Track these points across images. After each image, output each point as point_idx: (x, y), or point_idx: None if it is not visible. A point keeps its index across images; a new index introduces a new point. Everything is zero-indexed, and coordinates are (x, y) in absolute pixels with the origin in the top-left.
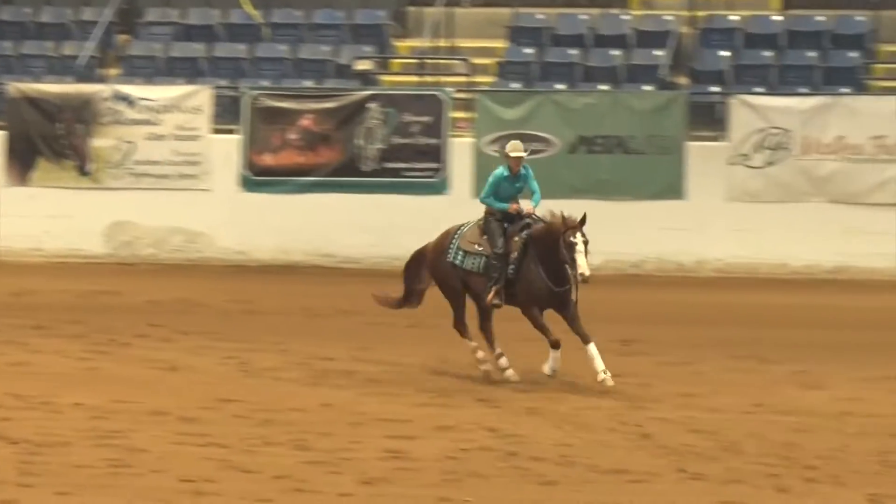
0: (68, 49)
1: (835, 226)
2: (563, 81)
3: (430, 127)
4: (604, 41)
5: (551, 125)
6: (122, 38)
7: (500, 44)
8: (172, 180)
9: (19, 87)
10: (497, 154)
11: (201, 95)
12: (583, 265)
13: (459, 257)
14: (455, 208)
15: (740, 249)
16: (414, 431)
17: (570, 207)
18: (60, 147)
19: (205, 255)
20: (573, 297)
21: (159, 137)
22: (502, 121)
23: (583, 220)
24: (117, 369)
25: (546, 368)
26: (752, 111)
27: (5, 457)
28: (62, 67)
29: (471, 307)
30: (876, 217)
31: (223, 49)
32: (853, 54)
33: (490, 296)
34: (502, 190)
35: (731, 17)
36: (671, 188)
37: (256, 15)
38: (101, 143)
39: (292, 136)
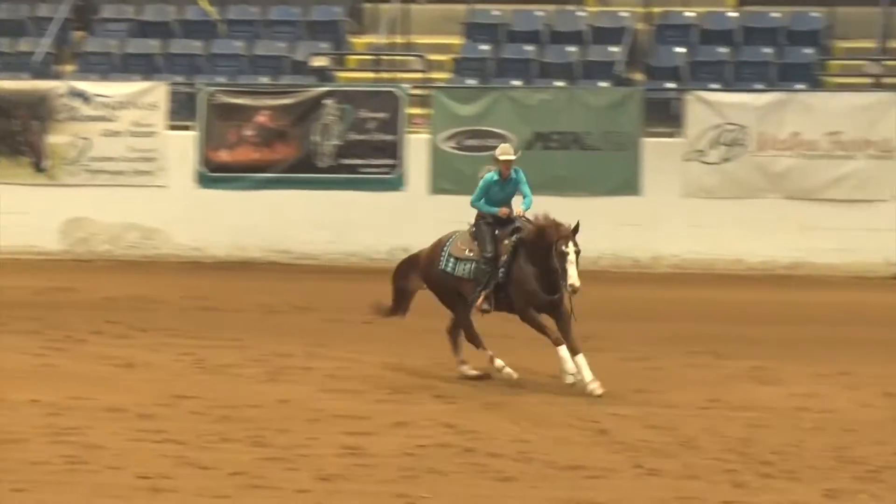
0: (24, 45)
1: (791, 222)
2: (519, 78)
3: (386, 123)
4: (560, 38)
5: (507, 122)
6: (77, 34)
7: (455, 40)
8: (128, 177)
9: None
10: (454, 150)
11: (157, 92)
12: (573, 276)
13: (451, 264)
14: (411, 204)
15: (696, 245)
16: (371, 428)
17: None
18: (16, 144)
19: (161, 252)
20: (566, 306)
21: (115, 134)
22: (458, 117)
23: (576, 229)
24: (73, 366)
25: (567, 378)
26: (708, 107)
27: None
28: (18, 64)
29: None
30: (832, 213)
31: (179, 45)
32: (808, 51)
33: (480, 300)
34: (493, 194)
35: (687, 14)
36: (627, 184)
37: (212, 11)
38: (56, 139)
39: (248, 132)
